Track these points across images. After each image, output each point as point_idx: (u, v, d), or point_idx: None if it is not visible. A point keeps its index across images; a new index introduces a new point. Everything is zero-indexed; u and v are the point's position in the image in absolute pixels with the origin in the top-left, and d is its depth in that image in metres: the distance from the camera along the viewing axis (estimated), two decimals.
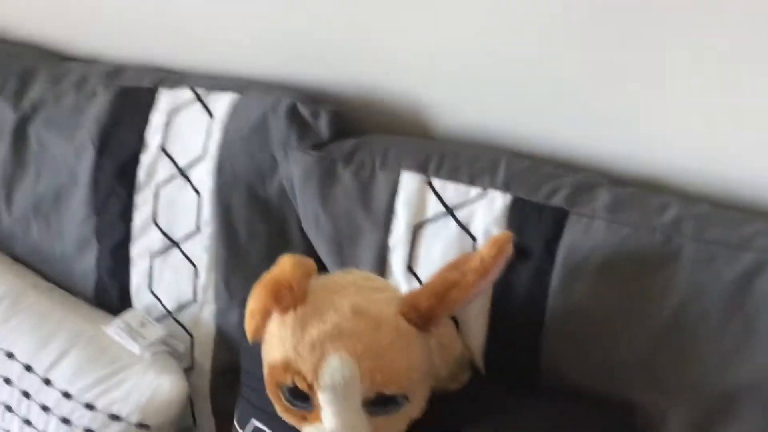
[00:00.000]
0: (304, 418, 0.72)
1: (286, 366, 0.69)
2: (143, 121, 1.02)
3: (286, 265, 0.70)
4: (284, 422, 0.82)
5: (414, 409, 0.72)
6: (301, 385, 0.68)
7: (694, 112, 0.80)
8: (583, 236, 0.77)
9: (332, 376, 0.67)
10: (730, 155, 0.79)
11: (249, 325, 0.72)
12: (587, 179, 0.81)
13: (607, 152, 0.85)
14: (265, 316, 0.71)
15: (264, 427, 0.85)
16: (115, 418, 0.94)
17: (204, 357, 1.03)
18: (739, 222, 0.74)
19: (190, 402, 1.03)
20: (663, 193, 0.79)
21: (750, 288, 0.70)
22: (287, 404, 0.72)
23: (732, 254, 0.71)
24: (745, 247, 0.71)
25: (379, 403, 0.69)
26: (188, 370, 1.02)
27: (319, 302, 0.69)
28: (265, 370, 0.72)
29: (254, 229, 0.97)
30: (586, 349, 0.77)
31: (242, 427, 0.88)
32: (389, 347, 0.68)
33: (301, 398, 0.70)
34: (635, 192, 0.79)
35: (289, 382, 0.69)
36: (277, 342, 0.70)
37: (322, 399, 0.68)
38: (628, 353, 0.75)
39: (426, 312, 0.70)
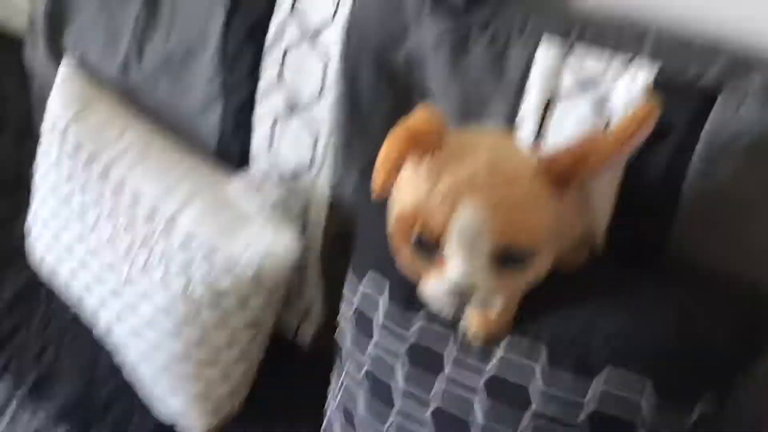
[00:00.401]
0: (429, 269, 0.72)
1: (417, 214, 0.68)
2: None
3: (423, 113, 0.69)
4: (399, 274, 0.83)
5: (539, 269, 0.71)
6: (430, 234, 0.68)
7: None
8: (732, 118, 0.74)
9: (463, 226, 0.66)
10: None
11: (378, 176, 0.72)
12: (739, 59, 0.77)
13: (759, 33, 0.80)
14: (397, 165, 0.71)
15: (380, 279, 0.85)
16: (231, 269, 0.97)
17: (318, 221, 1.05)
18: None
19: (301, 265, 1.05)
20: None
21: None
22: (413, 254, 0.72)
23: None
24: None
25: (506, 258, 0.68)
26: (301, 233, 1.04)
27: (455, 152, 0.68)
28: (392, 220, 0.73)
29: (378, 96, 0.96)
30: (722, 232, 0.75)
31: (358, 278, 0.89)
32: (523, 202, 0.67)
33: (428, 248, 0.70)
34: None
35: (417, 230, 0.69)
36: (409, 189, 0.69)
37: (450, 249, 0.68)
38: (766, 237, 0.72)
39: (562, 173, 0.68)
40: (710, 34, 0.82)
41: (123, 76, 1.16)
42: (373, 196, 0.72)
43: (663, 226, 0.77)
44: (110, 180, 1.08)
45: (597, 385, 0.71)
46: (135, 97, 1.17)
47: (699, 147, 0.75)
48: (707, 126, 0.75)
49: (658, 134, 0.75)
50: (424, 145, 0.68)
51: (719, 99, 0.74)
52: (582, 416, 0.71)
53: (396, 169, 0.71)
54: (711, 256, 0.75)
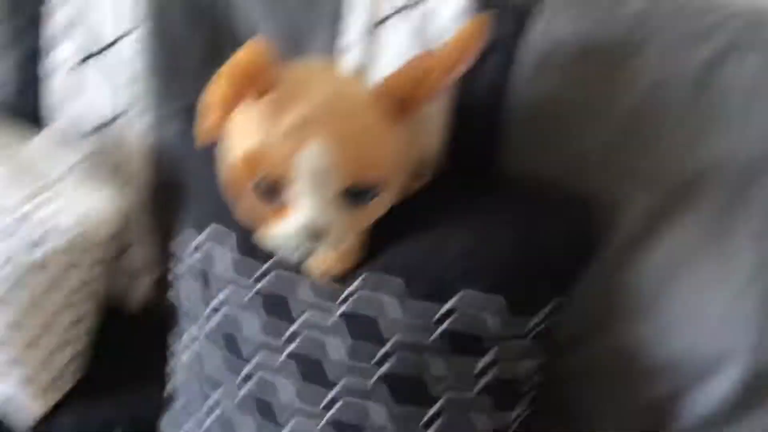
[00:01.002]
0: (274, 214, 0.69)
1: (258, 156, 0.65)
2: None
3: (253, 48, 0.65)
4: (238, 226, 0.80)
5: (387, 199, 0.71)
6: (275, 175, 0.65)
7: None
8: (549, 29, 0.77)
9: (310, 163, 0.64)
10: None
11: (210, 118, 0.67)
12: None
13: None
14: (228, 107, 0.67)
15: (223, 230, 0.82)
16: (54, 231, 0.89)
17: (138, 173, 0.98)
18: (703, 11, 0.75)
19: (126, 220, 0.99)
20: None
21: (712, 76, 0.72)
22: (256, 200, 0.69)
23: (695, 43, 0.73)
24: (708, 36, 0.73)
25: (354, 193, 0.67)
26: (124, 185, 0.98)
27: (291, 89, 0.65)
28: (229, 165, 0.69)
29: (191, 35, 0.91)
30: (549, 140, 0.78)
31: (197, 231, 0.84)
32: (367, 134, 0.66)
33: (272, 192, 0.68)
34: None
35: (260, 173, 0.66)
36: (246, 132, 0.66)
37: (298, 188, 0.66)
38: (591, 143, 0.77)
39: (404, 98, 0.67)
40: None
41: None
42: (200, 140, 0.68)
43: (493, 139, 0.79)
44: None
45: (451, 308, 0.72)
46: None
47: (519, 60, 0.77)
48: (526, 38, 0.77)
49: (484, 50, 0.76)
50: (261, 81, 0.64)
51: (535, 11, 0.77)
52: (434, 336, 0.73)
53: (228, 110, 0.67)
54: (543, 167, 0.79)
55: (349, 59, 0.83)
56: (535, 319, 0.75)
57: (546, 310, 0.75)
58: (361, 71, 0.83)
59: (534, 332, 0.76)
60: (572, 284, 0.77)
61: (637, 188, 0.77)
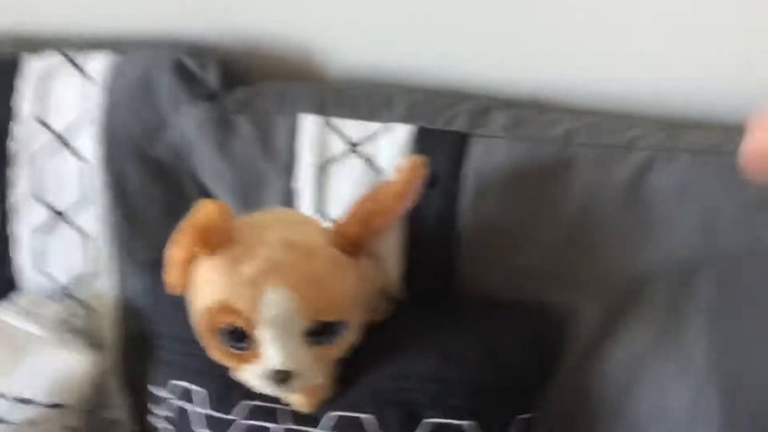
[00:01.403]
0: (243, 360, 0.71)
1: (223, 307, 0.68)
2: (8, 89, 0.96)
3: (207, 207, 0.69)
4: (206, 375, 0.82)
5: (351, 335, 0.73)
6: (240, 324, 0.68)
7: (572, 28, 0.85)
8: (485, 156, 0.81)
9: (272, 310, 0.67)
10: (609, 68, 0.86)
11: (171, 276, 0.71)
12: (482, 104, 0.85)
13: (498, 77, 0.89)
14: (189, 263, 0.70)
15: (184, 384, 0.83)
16: (24, 401, 0.89)
17: (108, 330, 0.99)
18: (625, 127, 0.81)
19: (98, 379, 0.99)
20: (553, 111, 0.85)
21: (642, 183, 0.78)
22: (224, 347, 0.71)
23: (622, 155, 0.78)
24: (633, 147, 0.78)
25: (319, 333, 0.70)
26: (93, 346, 0.98)
27: (247, 240, 0.69)
28: (197, 317, 0.71)
29: (150, 193, 0.94)
30: (499, 260, 0.82)
31: (160, 388, 0.86)
32: (324, 275, 0.69)
33: (239, 338, 0.70)
34: (528, 111, 0.84)
35: (227, 322, 0.69)
36: (209, 285, 0.69)
37: (264, 334, 0.69)
38: (538, 257, 0.81)
39: (354, 238, 0.71)
40: (453, 84, 0.90)
41: None
42: (168, 292, 0.71)
43: (449, 265, 0.83)
44: None
45: None
46: None
47: (463, 188, 0.82)
48: (467, 167, 0.82)
49: (428, 182, 0.81)
50: (214, 240, 0.68)
51: (471, 141, 0.82)
52: None
53: (187, 268, 0.70)
54: (498, 286, 0.82)
55: (305, 199, 0.87)
56: None
57: (517, 425, 0.76)
58: (317, 211, 0.87)
59: None
60: (540, 396, 0.79)
61: (587, 296, 0.80)
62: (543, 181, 0.80)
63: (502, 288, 0.82)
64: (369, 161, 0.85)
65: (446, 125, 0.83)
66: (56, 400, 0.90)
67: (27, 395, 0.89)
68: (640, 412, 0.80)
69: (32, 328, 0.93)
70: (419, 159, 0.76)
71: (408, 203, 0.75)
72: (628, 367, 0.80)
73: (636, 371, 0.80)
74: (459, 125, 0.83)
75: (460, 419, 0.74)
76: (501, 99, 0.87)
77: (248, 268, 0.68)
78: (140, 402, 1.00)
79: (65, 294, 0.99)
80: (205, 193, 0.93)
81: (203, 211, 0.69)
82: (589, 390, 0.81)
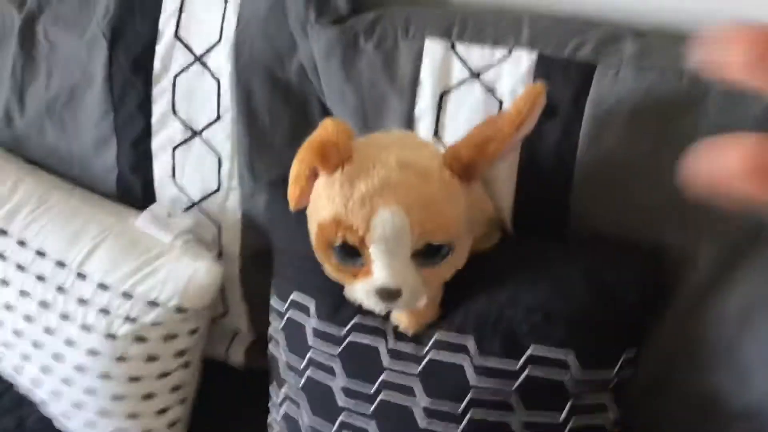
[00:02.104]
0: (355, 276, 0.74)
1: (337, 223, 0.70)
2: (156, 8, 1.01)
3: (328, 125, 0.72)
4: (322, 292, 0.85)
5: (458, 259, 0.74)
6: (352, 240, 0.70)
7: None
8: (611, 87, 0.79)
9: (383, 228, 0.69)
10: None
11: (293, 191, 0.74)
12: (611, 32, 0.82)
13: (627, 6, 0.86)
14: (310, 179, 0.73)
15: (303, 299, 0.87)
16: (153, 304, 0.96)
17: (232, 243, 1.05)
18: None
19: (222, 288, 1.06)
20: (686, 41, 0.81)
21: None
22: (337, 263, 0.74)
23: (753, 96, 0.74)
24: None
25: (427, 254, 0.71)
26: (217, 258, 1.04)
27: (364, 159, 0.71)
28: (313, 231, 0.74)
29: (276, 112, 0.98)
30: (616, 197, 0.80)
31: (282, 302, 0.91)
32: (436, 197, 0.70)
33: (351, 255, 0.73)
34: (660, 40, 0.80)
35: (339, 238, 0.71)
36: (326, 201, 0.71)
37: (374, 252, 0.71)
38: (656, 196, 0.78)
39: (468, 163, 0.71)
40: (582, 14, 0.87)
41: (7, 129, 1.12)
42: (291, 209, 0.74)
43: (563, 199, 0.82)
44: (11, 236, 1.04)
45: (524, 362, 0.75)
46: (23, 148, 1.13)
47: (585, 119, 0.80)
48: (590, 98, 0.80)
49: (547, 113, 0.79)
50: (333, 157, 0.70)
51: (597, 71, 0.79)
52: (514, 386, 0.75)
53: (308, 184, 0.73)
54: (612, 224, 0.80)
55: (424, 125, 0.88)
56: (608, 373, 0.75)
57: (618, 363, 0.76)
58: (435, 137, 0.88)
59: (608, 385, 0.76)
60: (643, 336, 0.78)
61: (703, 239, 0.77)
62: (669, 116, 0.77)
63: (615, 225, 0.81)
64: (490, 90, 0.84)
65: (572, 53, 0.81)
66: (182, 304, 0.96)
67: (155, 298, 0.96)
68: (752, 360, 0.77)
69: (165, 237, 1.00)
70: (539, 86, 0.74)
71: (525, 131, 0.74)
72: (740, 315, 0.77)
73: (748, 320, 0.77)
74: (585, 54, 0.80)
75: (563, 352, 0.74)
76: (631, 27, 0.84)
77: (363, 186, 0.69)
78: (259, 313, 1.05)
79: (196, 207, 1.05)
80: (329, 116, 0.95)
81: (325, 128, 0.72)
82: (697, 336, 0.79)
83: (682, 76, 0.76)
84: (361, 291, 0.74)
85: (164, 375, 1.02)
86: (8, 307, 1.05)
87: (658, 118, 0.77)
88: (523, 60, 0.82)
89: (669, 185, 0.77)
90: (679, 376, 0.81)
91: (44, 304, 1.02)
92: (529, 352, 0.75)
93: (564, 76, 0.80)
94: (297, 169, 0.72)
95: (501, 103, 0.84)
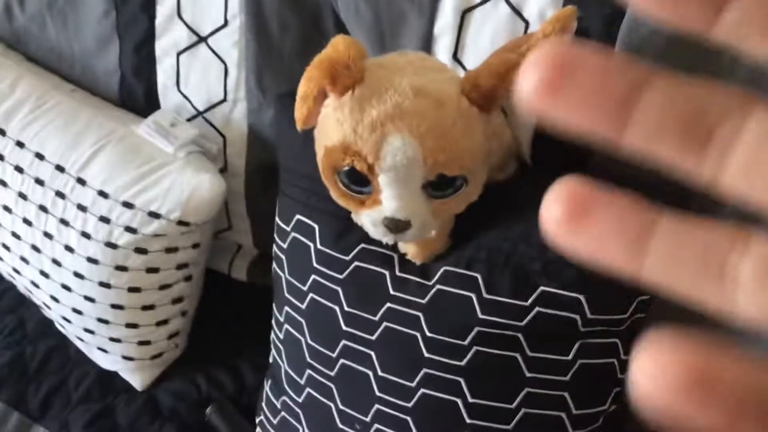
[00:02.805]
0: (362, 203, 0.71)
1: (345, 148, 0.66)
2: None
3: (340, 44, 0.66)
4: (328, 215, 0.82)
5: (472, 192, 0.71)
6: (361, 167, 0.67)
7: None
8: (645, 15, 0.73)
9: (394, 156, 0.65)
10: None
11: (300, 110, 0.69)
12: None
13: None
14: (319, 99, 0.68)
15: (308, 221, 0.85)
16: (154, 215, 0.94)
17: (237, 157, 1.02)
18: None
19: (225, 203, 1.03)
20: None
21: None
22: (344, 189, 0.70)
23: None
24: None
25: (439, 185, 0.68)
26: (221, 171, 1.01)
27: (377, 82, 0.66)
28: (320, 155, 0.71)
29: (286, 21, 0.92)
30: None
31: (286, 222, 0.88)
32: (452, 127, 0.65)
33: (359, 182, 0.69)
34: None
35: (347, 164, 0.67)
36: (334, 124, 0.67)
37: (382, 180, 0.67)
38: None
39: (487, 92, 0.66)
40: None
41: (6, 23, 1.07)
42: (298, 129, 0.70)
43: None
44: (8, 136, 1.01)
45: (534, 301, 0.72)
46: (22, 44, 1.08)
47: (617, 47, 0.74)
48: (623, 25, 0.74)
49: (577, 38, 0.74)
50: (345, 78, 0.65)
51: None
52: (522, 323, 0.73)
53: (317, 103, 0.69)
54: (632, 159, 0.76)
55: (443, 44, 0.83)
56: (620, 316, 0.73)
57: (631, 307, 0.73)
58: (451, 61, 0.83)
59: (620, 326, 0.74)
60: None
61: None
62: (707, 47, 0.71)
63: (642, 167, 0.76)
64: (516, 10, 0.78)
65: None
66: (184, 217, 0.94)
67: (157, 209, 0.93)
68: None
69: (168, 148, 0.96)
70: (570, 10, 0.68)
71: None
72: None
73: None
74: None
75: (575, 292, 0.72)
76: None
77: (375, 111, 0.65)
78: (263, 229, 1.03)
79: (201, 117, 1.01)
80: (342, 29, 0.90)
81: (337, 47, 0.66)
82: None
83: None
84: (368, 220, 0.71)
85: (165, 287, 1.01)
86: (6, 209, 1.03)
87: (695, 48, 0.72)
88: None
89: None
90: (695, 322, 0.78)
91: (43, 209, 0.99)
92: (539, 290, 0.72)
93: (596, 1, 0.74)
94: (305, 87, 0.68)
95: (527, 24, 0.78)
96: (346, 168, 0.68)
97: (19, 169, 1.00)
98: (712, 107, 0.18)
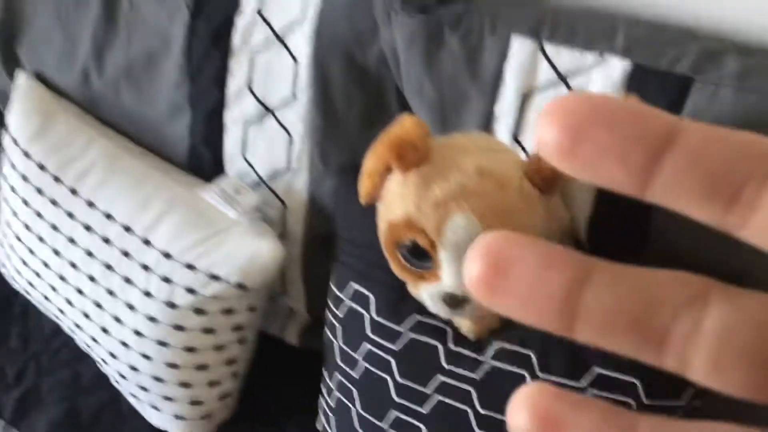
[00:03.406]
0: (422, 278, 0.72)
1: (408, 223, 0.69)
2: None
3: (407, 123, 0.69)
4: (384, 285, 0.84)
5: None
6: (423, 243, 0.69)
7: None
8: (708, 104, 0.75)
9: (456, 234, 0.67)
10: None
11: (365, 185, 0.72)
12: (713, 46, 0.78)
13: (732, 19, 0.81)
14: (384, 175, 0.71)
15: (363, 290, 0.86)
16: (215, 278, 0.96)
17: (296, 225, 1.04)
18: None
19: (282, 268, 1.05)
20: None
21: None
22: (405, 263, 0.72)
23: None
24: None
25: None
26: (280, 237, 1.04)
27: (442, 161, 0.69)
28: (383, 228, 0.73)
29: (351, 97, 0.96)
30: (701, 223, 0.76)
31: (341, 290, 0.90)
32: (513, 208, 0.67)
33: (420, 257, 0.71)
34: (764, 59, 0.76)
35: (409, 239, 0.69)
36: (399, 200, 0.70)
37: (443, 257, 0.69)
38: None
39: (549, 175, 0.69)
40: (682, 23, 0.83)
41: (83, 87, 1.13)
42: (362, 203, 0.72)
43: (643, 216, 0.78)
44: (80, 196, 1.06)
45: (590, 383, 0.72)
46: (97, 109, 1.14)
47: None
48: (684, 114, 0.76)
49: None
50: (410, 156, 0.68)
51: (694, 87, 0.75)
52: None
53: (382, 179, 0.71)
54: (695, 246, 0.77)
55: (503, 126, 0.85)
56: (675, 404, 0.73)
57: (687, 393, 0.73)
58: (512, 141, 0.85)
59: (677, 413, 0.74)
60: None
61: None
62: None
63: (697, 250, 0.77)
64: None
65: (669, 65, 0.76)
66: (243, 281, 0.96)
67: (217, 272, 0.96)
68: None
69: (230, 212, 1.00)
70: (632, 97, 0.71)
71: None
72: None
73: None
74: (683, 67, 0.76)
75: (631, 376, 0.72)
76: (734, 43, 0.79)
77: (439, 190, 0.67)
78: (317, 295, 1.05)
79: (263, 185, 1.04)
80: (405, 106, 0.93)
81: (404, 126, 0.70)
82: None
83: None
84: (426, 294, 0.72)
85: (220, 348, 1.03)
86: (73, 266, 1.07)
87: None
88: (616, 67, 0.78)
89: None
90: None
91: (108, 267, 1.03)
92: (594, 373, 0.72)
93: (659, 88, 0.76)
94: (372, 163, 0.71)
95: None
96: (408, 243, 0.70)
97: (88, 228, 1.04)
98: (664, 300, 0.17)
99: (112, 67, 1.10)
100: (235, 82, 1.01)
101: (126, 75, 1.09)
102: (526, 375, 0.75)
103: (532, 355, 0.75)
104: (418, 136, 0.68)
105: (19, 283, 1.21)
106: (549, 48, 0.82)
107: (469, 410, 0.77)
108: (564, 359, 0.74)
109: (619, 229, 0.81)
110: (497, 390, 0.76)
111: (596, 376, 0.72)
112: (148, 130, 1.11)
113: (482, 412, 0.77)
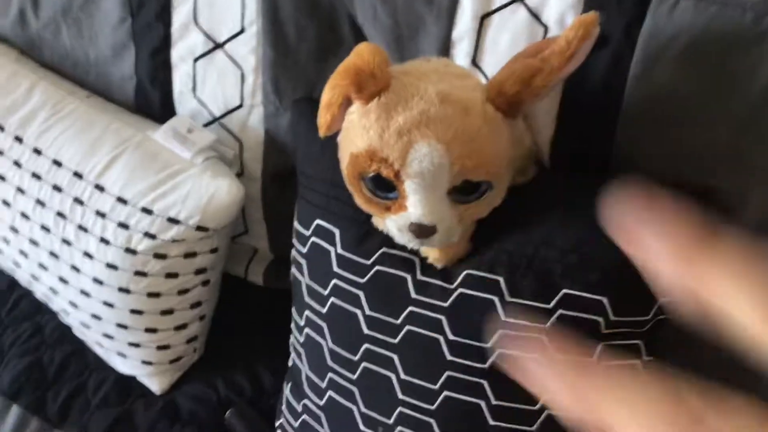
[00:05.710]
0: (387, 209, 0.71)
1: (371, 154, 0.67)
2: None
3: (364, 52, 0.67)
4: (348, 220, 0.83)
5: (496, 197, 0.71)
6: (387, 173, 0.67)
7: None
8: (668, 18, 0.74)
9: (421, 163, 0.65)
10: None
11: (324, 117, 0.70)
12: None
13: None
14: (343, 106, 0.69)
15: (328, 225, 0.85)
16: (173, 221, 0.94)
17: (254, 162, 1.02)
18: None
19: (242, 208, 1.03)
20: None
21: None
22: (369, 195, 0.71)
23: None
24: None
25: (464, 190, 0.68)
26: (238, 176, 1.02)
27: (402, 89, 0.67)
28: (345, 161, 0.71)
29: (303, 27, 0.92)
30: (666, 135, 0.76)
31: (305, 226, 0.88)
32: (478, 133, 0.66)
33: (385, 188, 0.70)
34: None
35: (373, 170, 0.68)
36: (360, 131, 0.68)
37: (408, 187, 0.67)
38: (710, 137, 0.74)
39: (512, 98, 0.67)
40: None
41: (20, 29, 1.08)
42: (320, 135, 0.70)
43: (607, 135, 0.78)
44: (26, 143, 1.01)
45: (557, 304, 0.73)
46: (37, 51, 1.08)
47: (636, 52, 0.75)
48: (643, 30, 0.74)
49: (597, 44, 0.74)
50: (370, 85, 0.66)
51: (653, 1, 0.74)
52: (545, 325, 0.74)
53: (341, 111, 0.69)
54: (659, 163, 0.77)
55: (461, 49, 0.83)
56: (642, 318, 0.74)
57: (653, 309, 0.74)
58: (470, 65, 0.83)
59: (641, 330, 0.75)
60: None
61: (758, 183, 0.74)
62: (729, 53, 0.72)
63: (662, 167, 0.77)
64: (535, 14, 0.79)
65: None
66: (203, 222, 0.94)
67: (176, 215, 0.94)
68: None
69: (185, 154, 0.97)
70: (593, 16, 0.69)
71: (575, 65, 0.70)
72: None
73: None
74: None
75: (598, 294, 0.72)
76: None
77: (401, 119, 0.65)
78: (280, 233, 1.03)
79: (217, 123, 1.01)
80: (359, 34, 0.90)
81: (361, 54, 0.67)
82: None
83: (745, 10, 0.71)
84: (393, 225, 0.71)
85: (183, 291, 1.01)
86: (24, 216, 1.03)
87: (717, 55, 0.72)
88: None
89: (722, 127, 0.74)
90: None
91: (61, 215, 1.00)
92: (562, 293, 0.73)
93: (617, 4, 0.75)
94: (329, 95, 0.68)
95: (546, 29, 0.79)
96: (372, 174, 0.68)
97: (36, 176, 1.01)
98: None
99: (50, 6, 1.04)
100: (179, 16, 0.97)
101: (64, 14, 1.04)
102: (496, 300, 0.75)
103: (501, 280, 0.75)
104: (377, 65, 0.66)
105: None
106: None
107: (440, 337, 0.77)
108: (532, 282, 0.74)
109: (581, 151, 0.81)
110: (467, 316, 0.76)
111: (564, 296, 0.72)
112: (91, 71, 1.06)
113: (453, 338, 0.77)
